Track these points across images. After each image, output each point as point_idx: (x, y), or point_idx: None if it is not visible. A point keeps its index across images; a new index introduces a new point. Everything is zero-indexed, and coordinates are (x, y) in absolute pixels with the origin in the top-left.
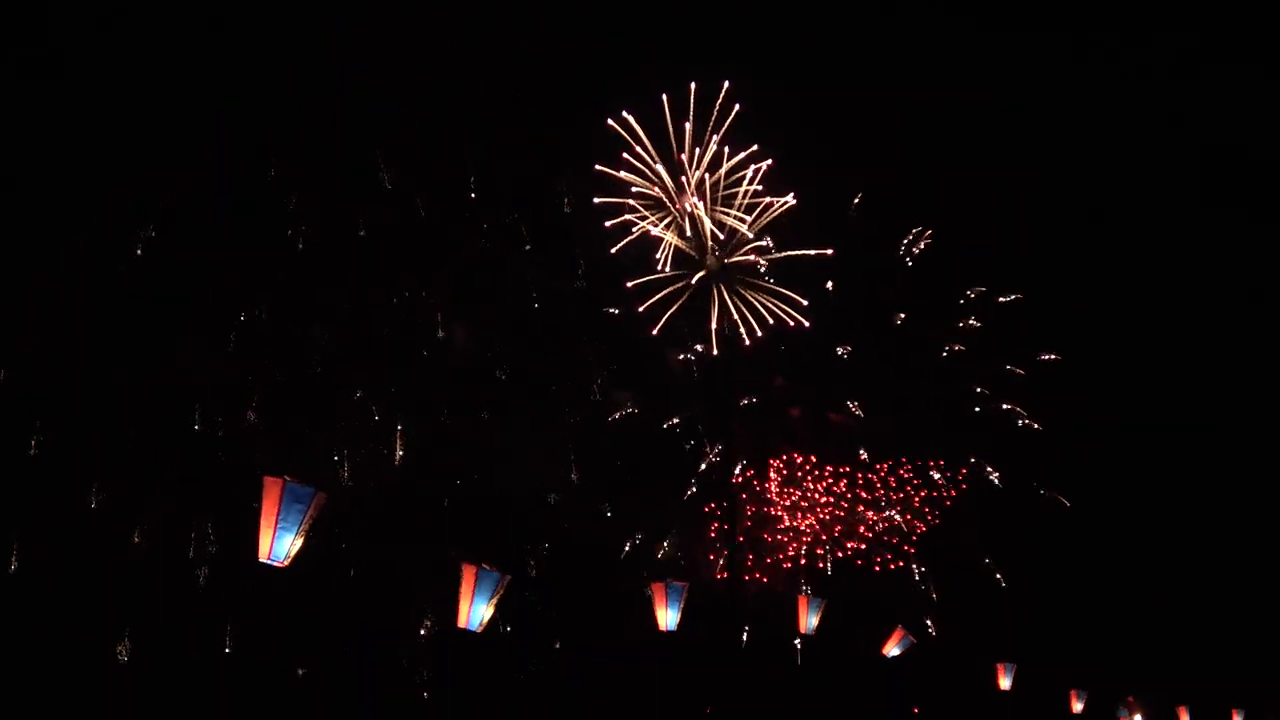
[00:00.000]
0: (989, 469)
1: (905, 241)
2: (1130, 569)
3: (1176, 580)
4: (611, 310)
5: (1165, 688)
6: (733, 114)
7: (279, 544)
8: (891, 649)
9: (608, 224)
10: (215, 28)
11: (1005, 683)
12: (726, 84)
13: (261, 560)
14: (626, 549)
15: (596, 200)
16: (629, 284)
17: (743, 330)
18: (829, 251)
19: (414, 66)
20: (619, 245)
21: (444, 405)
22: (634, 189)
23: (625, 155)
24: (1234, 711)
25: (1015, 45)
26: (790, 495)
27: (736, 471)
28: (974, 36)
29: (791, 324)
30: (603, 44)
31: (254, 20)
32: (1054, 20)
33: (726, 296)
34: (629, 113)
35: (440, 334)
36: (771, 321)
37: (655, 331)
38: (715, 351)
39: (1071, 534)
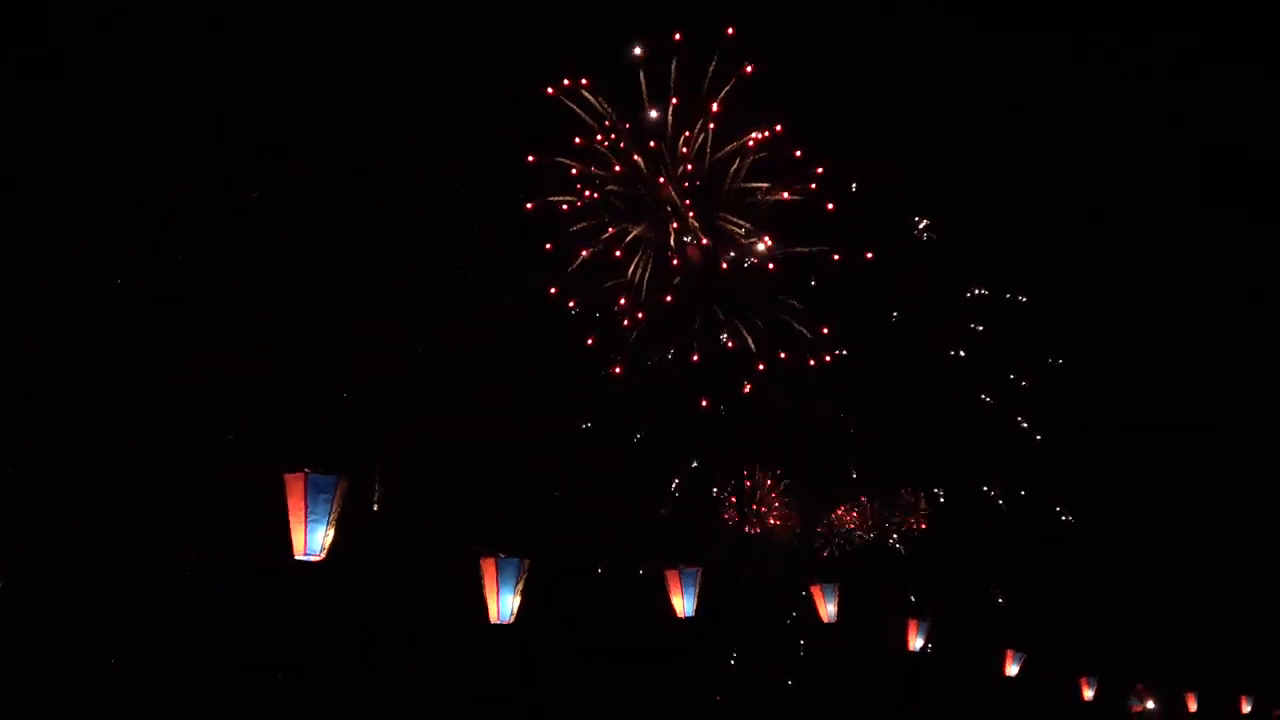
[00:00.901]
0: (990, 489)
1: (910, 234)
2: (1138, 557)
3: (1185, 569)
4: (571, 307)
5: (1175, 675)
6: (730, 84)
7: (312, 538)
8: (915, 641)
9: (548, 245)
10: (215, 28)
11: (1012, 670)
12: (730, 30)
13: (297, 558)
14: (600, 568)
15: (530, 206)
16: (571, 304)
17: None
18: (869, 256)
19: (410, 63)
20: (570, 268)
21: (434, 406)
22: (604, 186)
23: (579, 140)
24: (1243, 698)
25: (1015, 45)
26: (778, 501)
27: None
28: (974, 36)
29: (813, 361)
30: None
31: (254, 20)
32: (1054, 20)
33: (722, 318)
34: (577, 80)
35: (428, 332)
36: (784, 356)
37: (618, 370)
38: (704, 402)
39: (1078, 527)
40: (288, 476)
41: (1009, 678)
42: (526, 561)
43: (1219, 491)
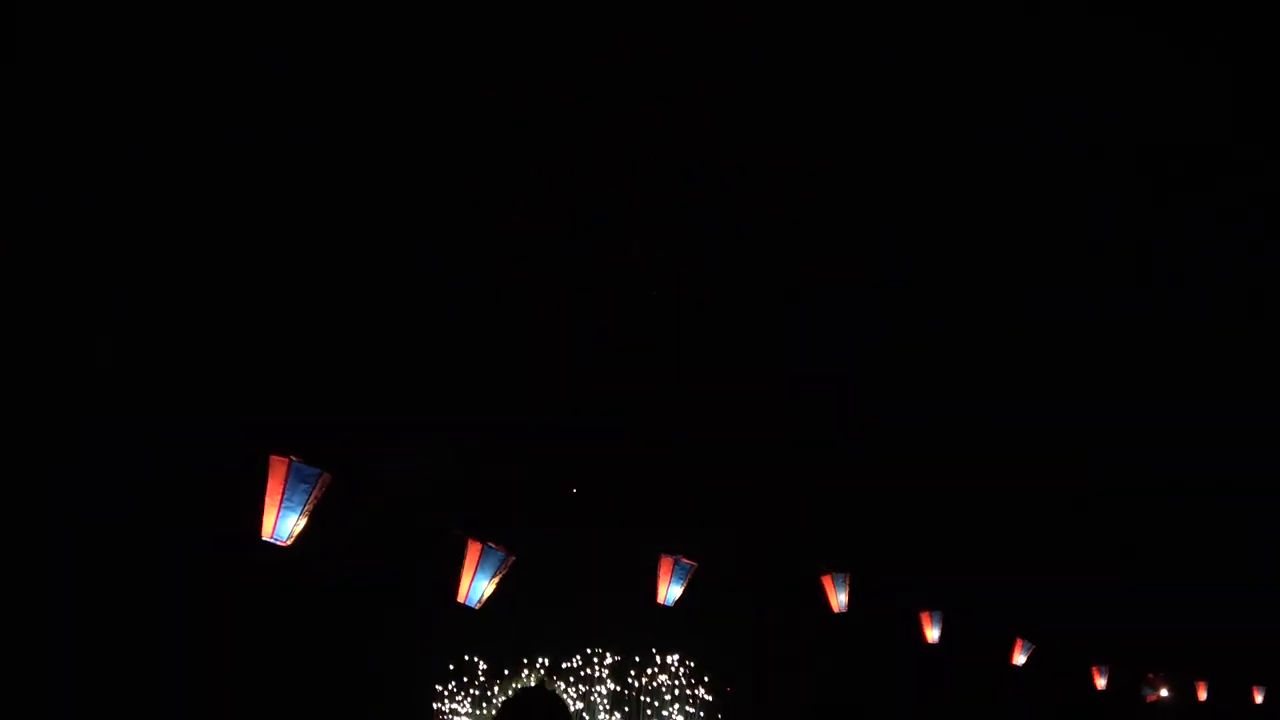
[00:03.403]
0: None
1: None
2: (1148, 544)
3: (1197, 558)
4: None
5: (1187, 665)
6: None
7: (283, 523)
8: (932, 632)
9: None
10: (215, 28)
11: (1020, 659)
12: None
13: (264, 539)
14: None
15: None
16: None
17: None
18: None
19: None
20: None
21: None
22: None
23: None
24: (1255, 689)
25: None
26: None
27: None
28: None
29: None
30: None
31: (253, 20)
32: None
33: None
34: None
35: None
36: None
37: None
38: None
39: (1088, 518)
40: (273, 458)
41: (1019, 667)
42: (512, 558)
43: (1229, 483)
